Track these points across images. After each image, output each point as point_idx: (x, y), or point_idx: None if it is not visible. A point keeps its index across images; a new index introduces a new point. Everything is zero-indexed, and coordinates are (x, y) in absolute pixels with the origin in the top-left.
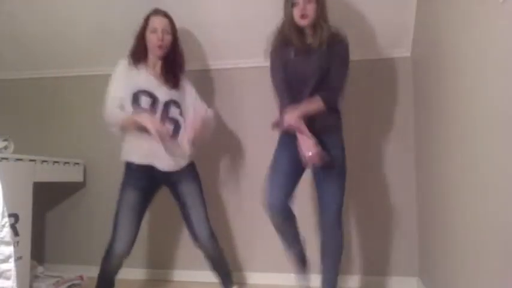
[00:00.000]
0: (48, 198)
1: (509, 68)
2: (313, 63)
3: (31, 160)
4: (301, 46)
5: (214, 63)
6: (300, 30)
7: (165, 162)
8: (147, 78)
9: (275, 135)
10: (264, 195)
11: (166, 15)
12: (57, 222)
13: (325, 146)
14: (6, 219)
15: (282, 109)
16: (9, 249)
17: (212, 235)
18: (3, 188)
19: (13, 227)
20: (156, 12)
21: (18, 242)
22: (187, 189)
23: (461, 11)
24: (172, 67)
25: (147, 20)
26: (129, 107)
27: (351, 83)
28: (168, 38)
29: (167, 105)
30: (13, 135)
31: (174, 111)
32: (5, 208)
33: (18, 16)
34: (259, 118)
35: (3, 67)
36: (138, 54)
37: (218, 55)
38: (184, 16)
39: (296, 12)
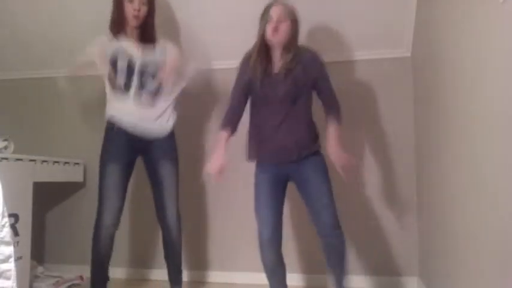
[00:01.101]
0: (48, 198)
1: (509, 68)
2: (285, 87)
3: (31, 160)
4: (264, 70)
5: (214, 63)
6: (268, 50)
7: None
8: (126, 43)
9: None
10: (257, 232)
11: None
12: (57, 222)
13: (307, 164)
14: (6, 219)
15: (221, 125)
16: (9, 249)
17: (179, 218)
18: (3, 188)
19: (13, 227)
20: None
21: (18, 242)
22: (167, 172)
23: (461, 11)
24: (148, 34)
25: None
26: (107, 69)
27: (350, 83)
28: (144, 9)
29: (144, 66)
30: (13, 135)
31: (149, 81)
32: (5, 208)
33: (19, 16)
34: None
35: (4, 67)
36: (118, 23)
37: (218, 55)
38: (184, 16)
39: (268, 28)
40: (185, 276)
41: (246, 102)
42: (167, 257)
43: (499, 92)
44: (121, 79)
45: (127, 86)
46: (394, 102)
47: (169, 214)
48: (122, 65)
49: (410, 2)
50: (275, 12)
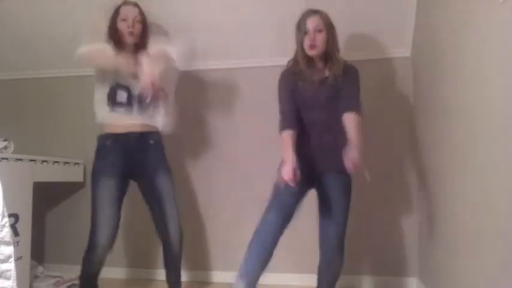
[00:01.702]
0: (48, 198)
1: (509, 67)
2: (326, 92)
3: (31, 160)
4: (311, 76)
5: (214, 63)
6: (310, 59)
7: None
8: (124, 70)
9: (272, 135)
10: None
11: (136, 5)
12: (57, 222)
13: (334, 178)
14: (6, 219)
15: (281, 129)
16: (9, 249)
17: (181, 232)
18: (3, 188)
19: (13, 227)
20: (126, 2)
21: (18, 242)
22: (164, 184)
23: (461, 11)
24: (142, 53)
25: (117, 10)
26: (104, 98)
27: None
28: (138, 27)
29: (140, 101)
30: (13, 135)
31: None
32: (5, 208)
33: (19, 16)
34: (258, 118)
35: (4, 67)
36: (114, 40)
37: (218, 55)
38: (184, 16)
39: (306, 42)
40: (185, 276)
41: (296, 105)
42: (167, 268)
43: (499, 91)
44: (120, 107)
45: (128, 111)
46: (394, 102)
47: (173, 232)
48: (121, 99)
49: (410, 2)
50: (311, 24)
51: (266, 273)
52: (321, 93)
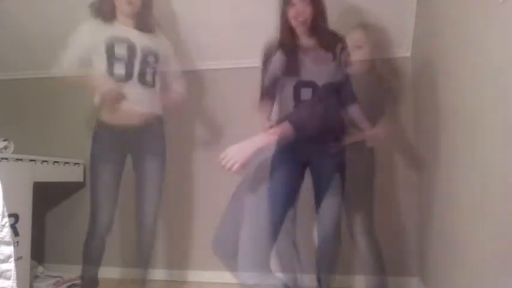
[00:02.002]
0: (48, 198)
1: (509, 67)
2: (323, 76)
3: (31, 160)
4: (295, 48)
5: (214, 63)
6: (293, 32)
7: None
8: (121, 27)
9: None
10: (268, 210)
11: None
12: (57, 222)
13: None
14: (6, 219)
15: (264, 116)
16: (9, 249)
17: (155, 222)
18: (3, 188)
19: (13, 227)
20: None
21: (18, 242)
22: (152, 169)
23: (461, 11)
24: (145, 23)
25: None
26: (102, 59)
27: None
28: (138, 2)
29: (145, 55)
30: (13, 135)
31: (151, 60)
32: (5, 208)
33: (19, 16)
34: (256, 118)
35: (4, 67)
36: (106, 10)
37: (218, 55)
38: (183, 16)
39: (290, 13)
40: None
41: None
42: (140, 258)
43: (499, 92)
44: (120, 68)
45: (128, 76)
46: (394, 102)
47: (147, 219)
48: (120, 53)
49: (410, 2)
50: None
51: (266, 273)
52: (317, 74)
